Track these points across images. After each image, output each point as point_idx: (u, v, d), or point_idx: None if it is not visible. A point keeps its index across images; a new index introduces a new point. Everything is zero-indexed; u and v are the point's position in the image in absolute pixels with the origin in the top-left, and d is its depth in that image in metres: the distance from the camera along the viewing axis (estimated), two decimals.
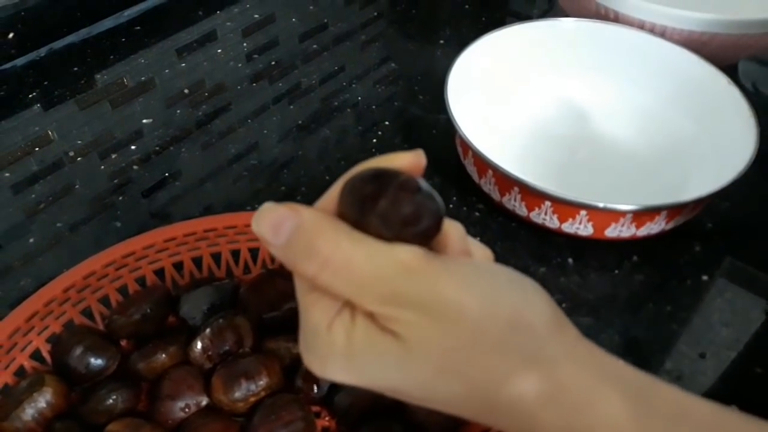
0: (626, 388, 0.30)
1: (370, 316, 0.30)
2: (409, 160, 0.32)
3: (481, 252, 0.34)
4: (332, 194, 0.32)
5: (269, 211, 0.30)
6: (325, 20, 0.94)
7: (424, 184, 0.30)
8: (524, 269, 0.62)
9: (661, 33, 0.75)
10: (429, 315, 0.28)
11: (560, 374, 0.29)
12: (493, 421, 0.31)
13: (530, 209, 0.61)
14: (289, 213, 0.30)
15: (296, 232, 0.30)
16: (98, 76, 0.82)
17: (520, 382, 0.29)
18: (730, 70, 0.69)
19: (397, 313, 0.29)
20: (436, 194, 0.30)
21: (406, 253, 0.29)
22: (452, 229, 0.32)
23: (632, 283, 0.62)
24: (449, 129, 0.65)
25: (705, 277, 0.62)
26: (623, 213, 0.58)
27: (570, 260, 0.63)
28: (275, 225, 0.30)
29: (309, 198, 0.68)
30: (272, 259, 0.58)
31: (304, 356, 0.32)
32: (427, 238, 0.30)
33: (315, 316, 0.31)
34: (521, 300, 0.30)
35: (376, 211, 0.29)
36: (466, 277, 0.30)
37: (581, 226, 0.60)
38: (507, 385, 0.29)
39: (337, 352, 0.30)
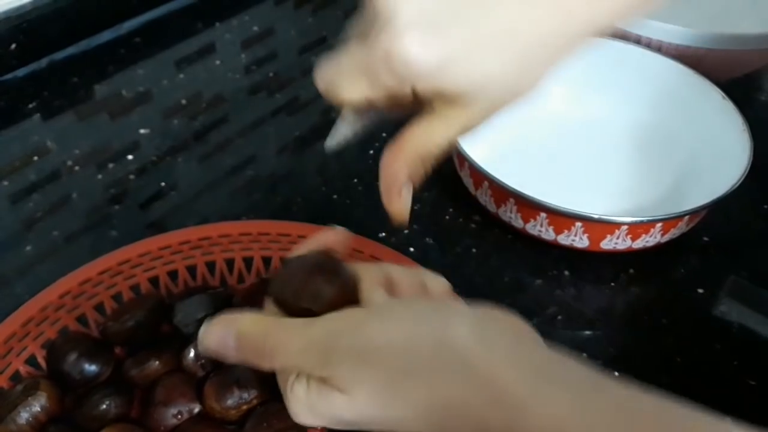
0: (569, 386, 0.31)
1: (323, 380, 0.34)
2: (333, 239, 0.42)
3: (437, 285, 0.41)
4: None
5: (209, 333, 0.38)
6: (325, 33, 0.94)
7: (333, 262, 0.39)
8: (520, 281, 0.62)
9: (658, 47, 0.76)
10: (362, 360, 0.33)
11: (499, 381, 0.31)
12: None
13: (526, 221, 0.62)
14: (226, 328, 0.37)
15: (239, 341, 0.37)
16: (97, 87, 0.83)
17: (460, 396, 0.31)
18: (725, 84, 0.70)
19: (335, 372, 0.33)
20: (342, 267, 0.39)
21: (331, 318, 0.35)
22: (366, 276, 0.39)
23: (628, 295, 0.62)
24: None
25: (701, 291, 0.62)
26: (618, 225, 0.58)
27: (566, 272, 0.63)
28: (220, 343, 0.37)
29: (305, 210, 0.68)
30: (266, 269, 0.58)
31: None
32: (342, 303, 0.37)
33: (281, 381, 0.37)
34: (441, 323, 0.33)
35: (303, 294, 0.37)
36: (388, 313, 0.35)
37: (577, 238, 0.60)
38: (449, 399, 0.32)
39: (302, 406, 0.35)
